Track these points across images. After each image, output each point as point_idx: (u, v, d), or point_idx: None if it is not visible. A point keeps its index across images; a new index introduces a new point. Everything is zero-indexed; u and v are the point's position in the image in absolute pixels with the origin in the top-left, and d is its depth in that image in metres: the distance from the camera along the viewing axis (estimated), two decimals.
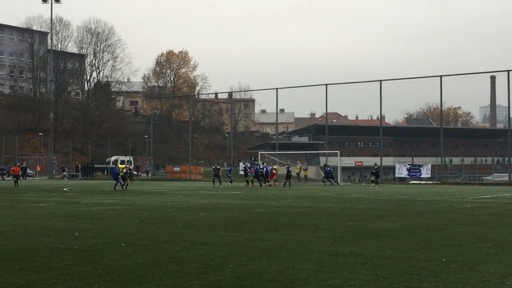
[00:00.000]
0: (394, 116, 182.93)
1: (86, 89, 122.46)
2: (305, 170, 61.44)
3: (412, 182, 62.06)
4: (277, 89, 72.54)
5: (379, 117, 76.59)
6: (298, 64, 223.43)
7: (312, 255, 11.29)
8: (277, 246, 12.67)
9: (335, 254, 11.48)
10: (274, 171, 53.98)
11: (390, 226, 16.92)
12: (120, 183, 41.06)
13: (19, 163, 54.42)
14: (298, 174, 60.80)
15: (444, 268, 10.03)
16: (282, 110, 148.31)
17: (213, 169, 55.77)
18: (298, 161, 64.04)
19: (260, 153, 68.50)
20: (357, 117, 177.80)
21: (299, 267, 10.00)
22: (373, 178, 54.20)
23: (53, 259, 10.95)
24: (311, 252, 11.71)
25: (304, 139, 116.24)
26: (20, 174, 48.84)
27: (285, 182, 50.64)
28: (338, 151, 67.53)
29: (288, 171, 51.60)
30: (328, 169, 56.76)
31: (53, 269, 9.94)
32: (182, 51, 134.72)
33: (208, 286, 8.55)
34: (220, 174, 55.06)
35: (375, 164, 59.52)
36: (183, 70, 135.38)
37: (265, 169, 52.12)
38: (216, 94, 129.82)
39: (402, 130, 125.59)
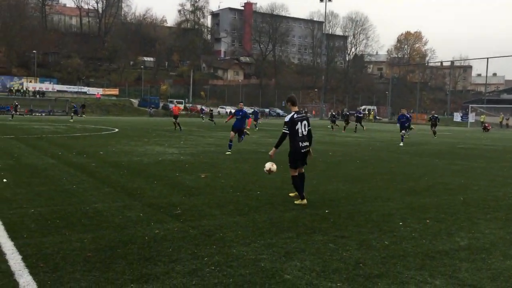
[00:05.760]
0: None
1: (347, 60, 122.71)
2: (507, 119, 55.49)
3: None
4: (487, 58, 65.60)
5: None
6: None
7: (489, 176, 10.92)
8: (464, 169, 12.37)
9: (507, 177, 10.98)
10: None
11: None
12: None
13: (176, 104, 42.03)
14: (500, 122, 55.16)
15: None
16: (495, 74, 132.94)
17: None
18: (501, 112, 57.80)
19: (471, 106, 63.05)
20: None
21: (475, 183, 9.87)
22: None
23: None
24: (488, 175, 11.31)
25: (511, 96, 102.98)
26: (178, 114, 31.17)
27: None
28: None
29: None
30: None
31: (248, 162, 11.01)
32: (416, 31, 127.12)
33: (407, 190, 8.94)
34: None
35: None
36: (417, 45, 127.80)
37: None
38: (441, 62, 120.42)
39: None
